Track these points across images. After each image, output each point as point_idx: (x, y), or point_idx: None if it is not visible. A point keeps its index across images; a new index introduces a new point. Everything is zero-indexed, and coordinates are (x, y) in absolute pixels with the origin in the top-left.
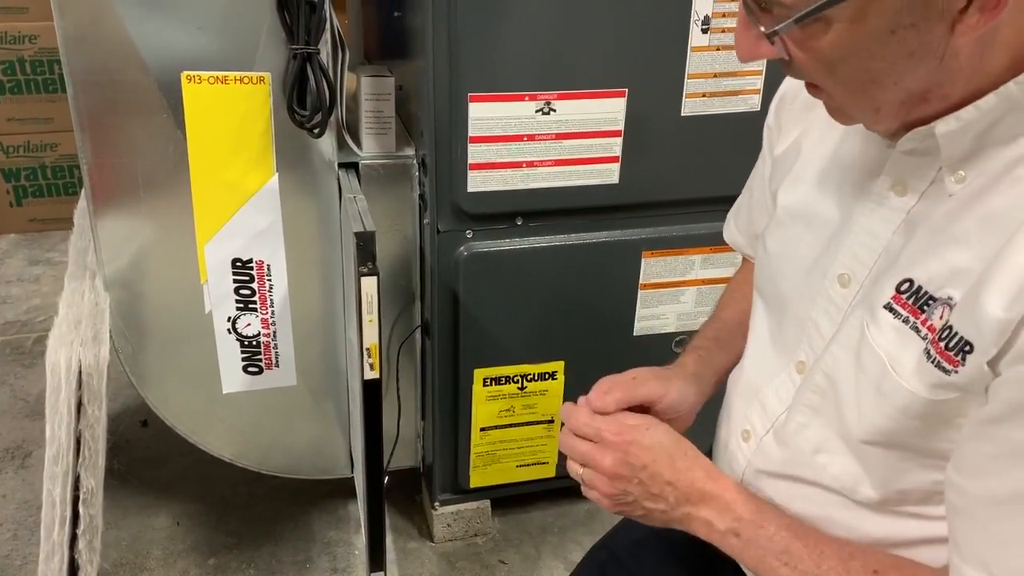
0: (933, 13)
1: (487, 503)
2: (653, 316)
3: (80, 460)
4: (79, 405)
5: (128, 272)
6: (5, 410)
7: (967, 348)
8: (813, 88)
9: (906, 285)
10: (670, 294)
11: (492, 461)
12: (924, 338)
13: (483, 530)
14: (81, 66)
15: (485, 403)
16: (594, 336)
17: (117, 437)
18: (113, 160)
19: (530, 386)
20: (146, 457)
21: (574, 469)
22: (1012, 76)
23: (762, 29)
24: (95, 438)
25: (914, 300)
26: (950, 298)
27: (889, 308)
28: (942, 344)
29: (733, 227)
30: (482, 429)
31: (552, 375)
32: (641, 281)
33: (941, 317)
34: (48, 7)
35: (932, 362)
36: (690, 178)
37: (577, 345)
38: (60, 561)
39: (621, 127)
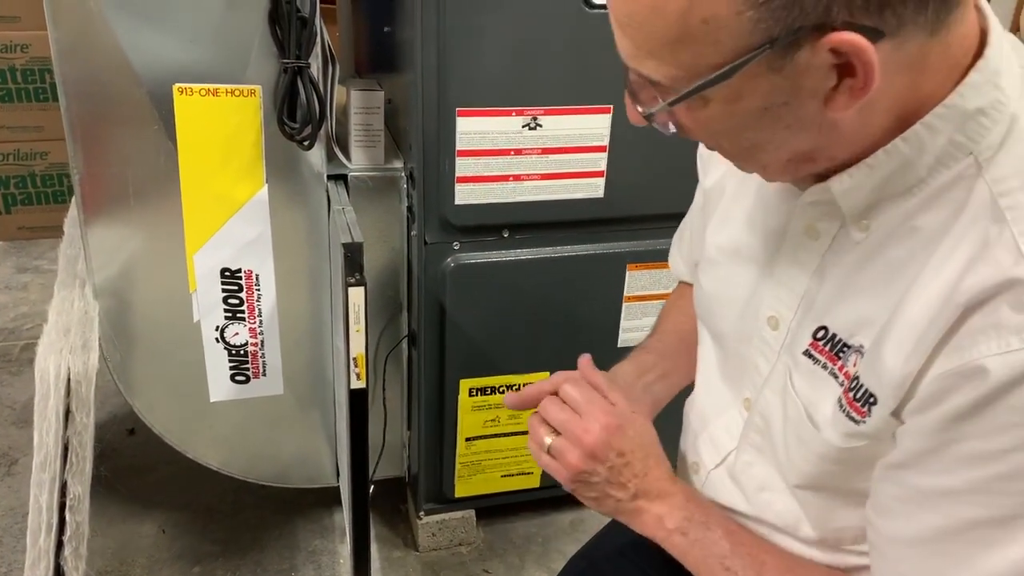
0: (804, 93)
1: (472, 513)
2: (637, 328)
3: (67, 467)
4: (67, 412)
5: (118, 281)
6: None
7: (872, 400)
8: None
9: (822, 332)
10: (654, 306)
11: (477, 471)
12: (841, 384)
13: (468, 539)
14: (74, 77)
15: (471, 413)
16: (579, 347)
17: (104, 445)
18: (104, 170)
19: None
20: (133, 465)
21: (539, 435)
22: (899, 132)
23: (639, 109)
24: (82, 445)
25: (830, 347)
26: (861, 346)
27: (808, 354)
28: (851, 394)
29: (676, 255)
30: (467, 439)
31: None
32: (626, 293)
33: (855, 365)
34: (40, 17)
35: (843, 412)
36: (674, 193)
37: (562, 356)
38: (46, 568)
39: (606, 142)
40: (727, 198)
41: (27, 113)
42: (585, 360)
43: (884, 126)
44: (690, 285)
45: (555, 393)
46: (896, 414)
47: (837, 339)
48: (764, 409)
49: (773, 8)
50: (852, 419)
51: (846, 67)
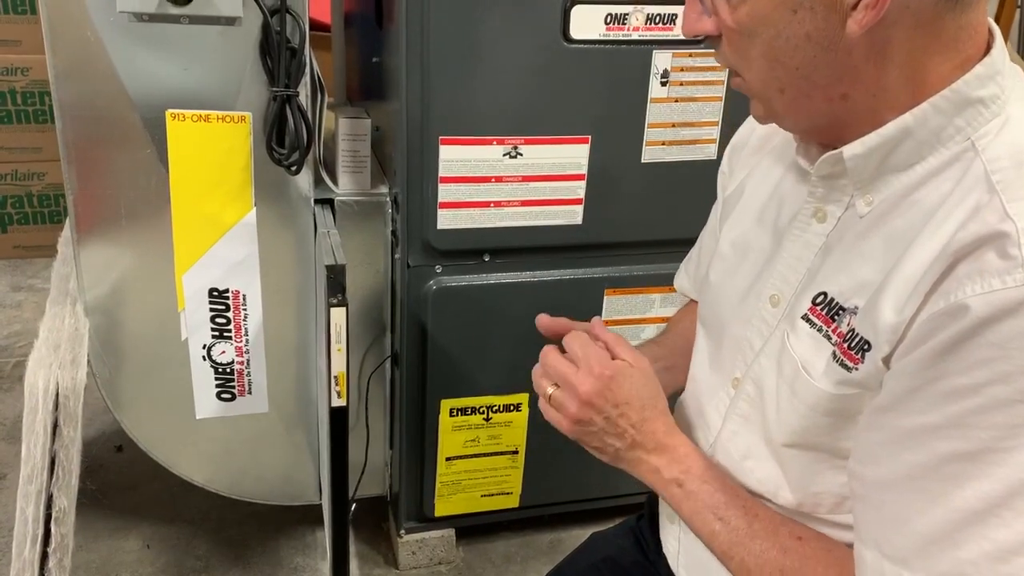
0: (828, 1)
1: (452, 532)
2: None
3: (54, 480)
4: (55, 426)
5: (108, 299)
6: None
7: (866, 347)
8: (735, 78)
9: (820, 297)
10: (631, 331)
11: (457, 490)
12: (834, 344)
13: (447, 559)
14: (71, 101)
15: (451, 433)
16: None
17: (92, 461)
18: (98, 191)
19: (495, 417)
20: (119, 481)
21: (542, 386)
22: (910, 104)
23: None
24: (69, 459)
25: (827, 311)
26: (856, 307)
27: (806, 319)
28: (846, 345)
29: (683, 275)
30: (448, 459)
31: (517, 407)
32: (603, 318)
33: (848, 324)
34: (41, 41)
35: (837, 362)
36: (650, 221)
37: None
38: None
39: (584, 171)
40: (744, 198)
41: (26, 134)
42: (596, 320)
43: (897, 84)
44: (696, 302)
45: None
46: (886, 360)
47: (834, 303)
48: (757, 376)
49: None
50: (845, 367)
51: None
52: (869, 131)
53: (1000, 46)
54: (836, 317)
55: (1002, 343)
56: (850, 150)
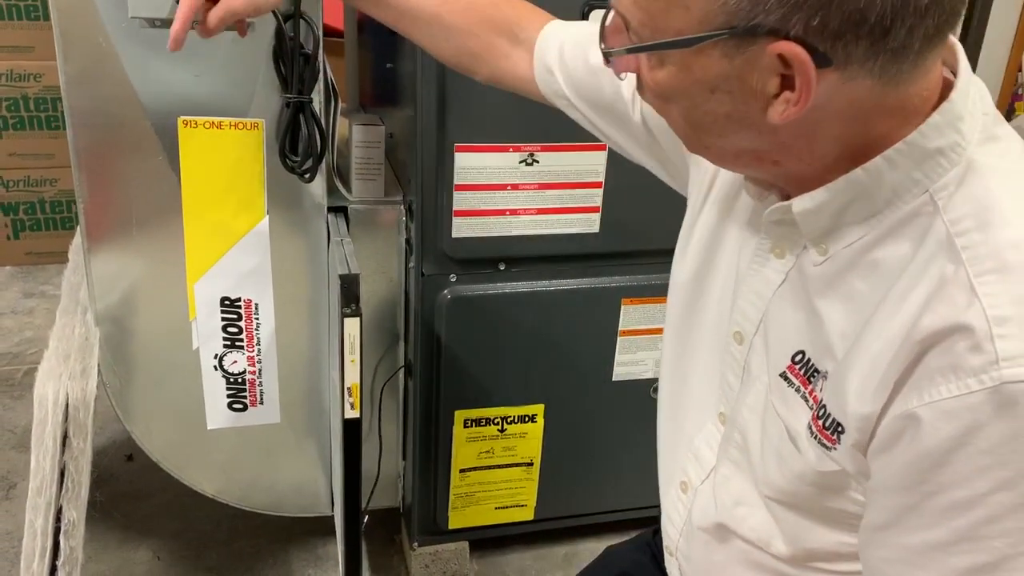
0: (747, 90)
1: (465, 544)
2: (632, 362)
3: (63, 492)
4: (65, 437)
5: (119, 308)
6: None
7: (840, 429)
8: None
9: (799, 356)
10: (649, 341)
11: (471, 502)
12: (811, 408)
13: (461, 571)
14: (82, 108)
15: (465, 444)
16: (574, 380)
17: (102, 470)
18: (109, 199)
19: (510, 428)
20: (129, 491)
21: None
22: (854, 164)
23: (602, 46)
24: (79, 470)
25: (804, 371)
26: (826, 372)
27: (784, 377)
28: (820, 421)
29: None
30: (462, 470)
31: (532, 418)
32: (620, 328)
33: (821, 390)
34: (53, 47)
35: (814, 437)
36: (668, 229)
37: (557, 389)
38: None
39: (602, 179)
40: (697, 229)
41: (38, 141)
42: None
43: (835, 154)
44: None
45: None
46: (861, 449)
47: (811, 363)
48: (743, 427)
49: None
50: (823, 445)
51: (789, 80)
52: (816, 186)
53: (963, 85)
54: (812, 378)
55: (992, 449)
56: (800, 204)
